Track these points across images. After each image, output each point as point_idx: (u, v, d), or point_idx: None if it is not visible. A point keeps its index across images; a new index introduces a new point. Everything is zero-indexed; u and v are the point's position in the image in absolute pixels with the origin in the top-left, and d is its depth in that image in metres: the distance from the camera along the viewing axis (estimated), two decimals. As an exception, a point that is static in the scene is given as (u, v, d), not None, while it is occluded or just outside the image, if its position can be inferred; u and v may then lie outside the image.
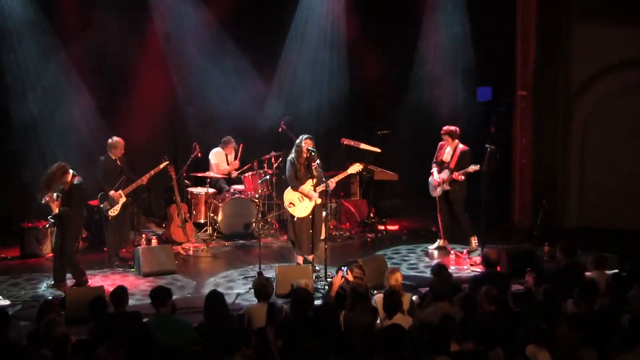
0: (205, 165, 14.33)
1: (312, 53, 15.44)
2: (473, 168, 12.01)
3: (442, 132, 12.41)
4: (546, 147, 14.19)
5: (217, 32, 14.78)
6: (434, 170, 12.51)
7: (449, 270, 9.28)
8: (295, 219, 11.23)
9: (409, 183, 15.71)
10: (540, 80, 14.05)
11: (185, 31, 14.68)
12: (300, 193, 11.13)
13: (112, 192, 11.69)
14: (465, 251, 12.10)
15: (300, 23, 15.35)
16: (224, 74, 14.88)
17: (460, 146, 12.34)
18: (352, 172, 11.60)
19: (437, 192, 12.49)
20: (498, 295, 7.95)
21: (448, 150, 12.41)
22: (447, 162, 12.34)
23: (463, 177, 12.12)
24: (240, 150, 14.50)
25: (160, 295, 7.84)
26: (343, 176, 11.47)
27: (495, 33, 14.59)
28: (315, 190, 11.06)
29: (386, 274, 8.75)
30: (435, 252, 12.56)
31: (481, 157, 12.17)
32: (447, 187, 12.32)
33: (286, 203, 11.25)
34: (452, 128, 12.40)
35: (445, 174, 12.27)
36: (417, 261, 12.20)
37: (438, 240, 12.72)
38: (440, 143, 12.56)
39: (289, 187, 11.24)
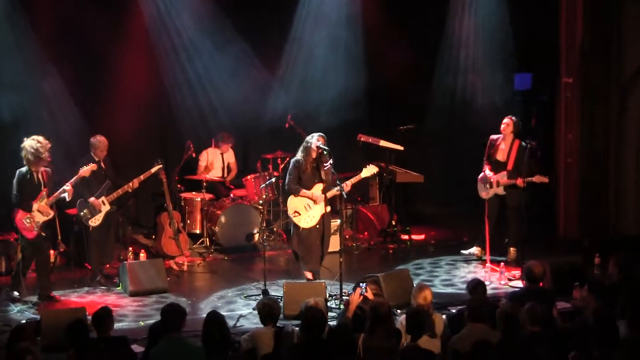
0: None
1: (325, 36, 15.43)
2: (540, 179, 12.00)
3: (503, 123, 12.38)
4: (596, 143, 14.13)
5: (213, 11, 14.75)
6: (486, 168, 12.51)
7: (486, 287, 9.26)
8: (300, 230, 11.27)
9: (437, 185, 15.72)
10: (588, 65, 14.00)
11: (176, 11, 14.64)
12: (303, 196, 11.15)
13: (92, 199, 11.69)
14: (502, 264, 12.10)
15: (312, 2, 15.37)
16: (221, 61, 14.86)
17: (518, 142, 12.37)
18: (367, 175, 11.46)
19: (488, 194, 12.47)
20: (543, 314, 7.94)
21: (503, 147, 12.42)
22: (504, 162, 12.34)
23: (524, 184, 12.11)
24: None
25: (174, 314, 7.82)
26: (356, 180, 11.39)
27: (535, 11, 14.58)
28: (325, 195, 11.06)
29: (413, 291, 8.74)
30: (487, 264, 12.53)
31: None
32: (501, 191, 12.32)
33: (290, 211, 11.26)
34: (515, 119, 12.42)
35: (502, 177, 12.25)
36: (447, 276, 12.20)
37: (475, 247, 12.71)
38: (492, 137, 12.56)
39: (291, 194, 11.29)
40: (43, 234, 10.96)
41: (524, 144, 12.30)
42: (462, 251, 12.87)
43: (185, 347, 7.70)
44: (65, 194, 10.98)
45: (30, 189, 10.93)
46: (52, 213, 10.99)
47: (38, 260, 11.21)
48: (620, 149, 14.20)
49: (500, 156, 12.43)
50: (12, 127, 13.35)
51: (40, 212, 10.84)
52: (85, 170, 11.25)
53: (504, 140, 12.44)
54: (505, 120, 12.42)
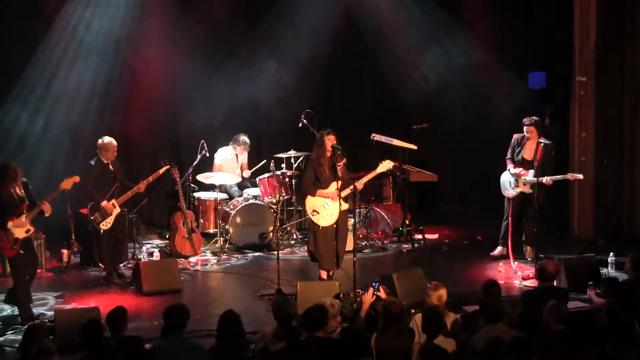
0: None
1: (337, 35, 15.41)
2: (574, 176, 12.12)
3: (527, 123, 12.31)
4: (610, 142, 14.11)
5: (227, 9, 14.79)
6: (510, 167, 12.48)
7: (500, 287, 9.23)
8: (317, 229, 11.24)
9: (451, 184, 15.69)
10: (602, 64, 13.97)
11: (191, 8, 14.67)
12: (320, 196, 11.14)
13: (104, 203, 11.68)
14: (517, 263, 12.07)
15: (324, 2, 15.34)
16: (235, 59, 14.90)
17: (541, 140, 12.32)
18: (382, 170, 11.50)
19: (513, 193, 12.44)
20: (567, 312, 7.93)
21: (530, 146, 12.37)
22: (531, 161, 12.28)
23: (552, 182, 12.11)
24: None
25: (177, 315, 7.85)
26: (372, 176, 11.37)
27: (548, 8, 14.54)
28: (340, 194, 11.02)
29: (428, 290, 8.74)
30: (500, 263, 12.48)
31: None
32: (527, 189, 12.29)
33: (309, 211, 11.23)
34: (537, 119, 12.42)
35: (530, 175, 12.21)
36: (461, 275, 12.17)
37: (499, 247, 12.71)
38: (516, 136, 12.51)
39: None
40: (21, 252, 10.23)
41: (547, 142, 12.28)
42: (491, 253, 12.77)
43: (186, 347, 7.72)
44: (44, 211, 10.29)
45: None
46: (32, 229, 10.28)
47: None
48: (634, 147, 14.15)
49: (527, 155, 12.37)
50: (26, 134, 13.45)
51: (18, 228, 10.14)
52: (66, 183, 10.67)
53: (530, 140, 12.38)
54: (529, 127, 12.32)
